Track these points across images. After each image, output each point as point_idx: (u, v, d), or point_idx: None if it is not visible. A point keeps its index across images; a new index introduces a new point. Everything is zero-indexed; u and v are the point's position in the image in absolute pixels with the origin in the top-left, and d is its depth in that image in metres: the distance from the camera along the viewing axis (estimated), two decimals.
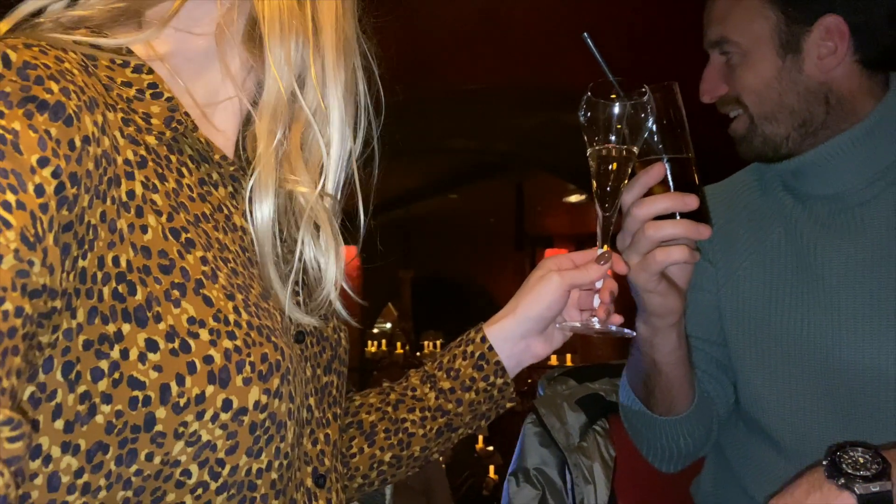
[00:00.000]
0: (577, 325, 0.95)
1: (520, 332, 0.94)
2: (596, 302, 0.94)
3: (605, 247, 0.94)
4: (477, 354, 0.93)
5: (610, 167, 0.94)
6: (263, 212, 0.67)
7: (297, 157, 0.69)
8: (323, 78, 0.70)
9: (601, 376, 1.44)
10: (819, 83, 1.09)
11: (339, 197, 0.73)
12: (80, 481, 0.57)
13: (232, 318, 0.63)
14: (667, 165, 0.97)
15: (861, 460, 0.81)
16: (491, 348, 0.93)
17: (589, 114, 0.93)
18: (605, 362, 1.49)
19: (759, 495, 1.11)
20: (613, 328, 0.94)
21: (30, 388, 0.55)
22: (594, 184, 0.96)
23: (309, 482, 0.73)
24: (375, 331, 11.11)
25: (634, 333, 0.96)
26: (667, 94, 0.98)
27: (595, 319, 0.94)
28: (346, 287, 0.73)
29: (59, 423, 0.56)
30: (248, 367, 0.62)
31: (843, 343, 1.06)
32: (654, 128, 0.97)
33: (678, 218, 0.96)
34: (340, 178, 0.72)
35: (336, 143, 0.71)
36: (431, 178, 8.02)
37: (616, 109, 0.92)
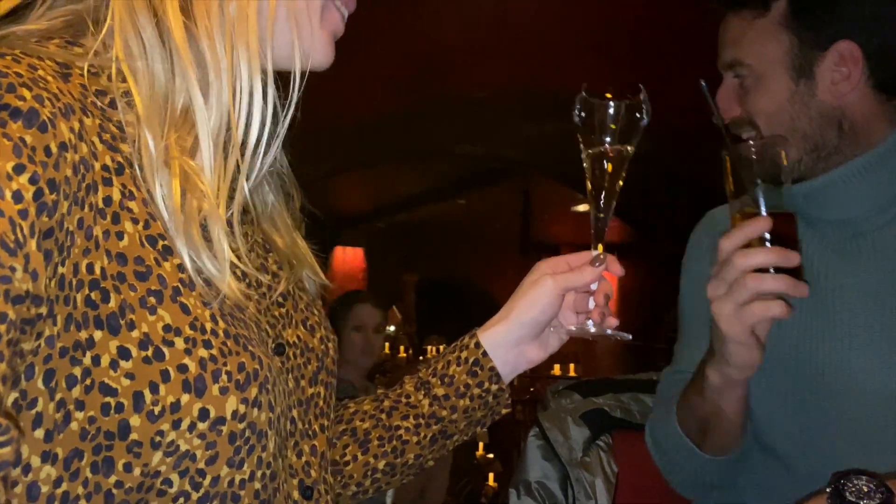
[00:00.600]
0: (573, 328, 0.94)
1: (514, 337, 0.92)
2: (591, 305, 0.93)
3: (600, 247, 0.93)
4: (471, 360, 0.92)
5: (605, 167, 0.93)
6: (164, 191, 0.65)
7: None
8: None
9: (606, 391, 1.43)
10: (832, 108, 1.08)
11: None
12: (59, 491, 0.56)
13: (209, 326, 0.62)
14: (768, 219, 0.96)
15: (865, 489, 0.79)
16: (485, 354, 0.92)
17: (583, 113, 0.93)
18: (610, 377, 1.48)
19: None
20: (609, 331, 0.92)
21: (13, 395, 0.55)
22: (589, 185, 0.95)
23: (296, 494, 0.72)
24: None
25: (630, 336, 0.94)
26: (771, 148, 0.98)
27: (590, 322, 0.93)
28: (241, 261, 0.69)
29: (40, 433, 0.56)
30: (224, 377, 0.61)
31: (855, 369, 1.04)
32: (758, 181, 0.97)
33: (775, 272, 0.94)
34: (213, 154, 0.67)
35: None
36: (438, 183, 8.03)
37: (611, 109, 0.91)
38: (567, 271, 0.92)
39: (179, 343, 0.60)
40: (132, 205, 0.62)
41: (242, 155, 0.66)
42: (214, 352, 0.62)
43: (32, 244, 0.53)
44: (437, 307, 10.58)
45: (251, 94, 0.66)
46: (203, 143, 0.64)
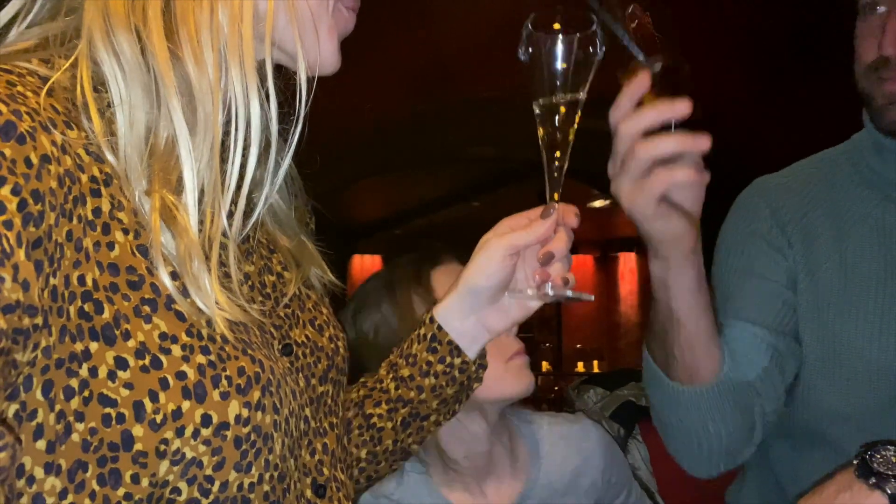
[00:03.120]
0: (529, 291, 0.86)
1: (466, 306, 0.88)
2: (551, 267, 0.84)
3: (556, 197, 0.86)
4: (429, 336, 0.89)
5: (558, 112, 0.85)
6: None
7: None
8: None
9: (628, 381, 1.42)
10: None
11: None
12: (65, 503, 0.56)
13: (206, 332, 0.62)
14: (652, 73, 0.86)
15: (894, 459, 0.78)
16: (440, 328, 0.88)
17: (531, 49, 0.84)
18: (631, 367, 1.46)
19: None
20: (569, 294, 0.84)
21: (13, 407, 0.55)
22: (540, 130, 0.87)
23: (309, 493, 0.72)
24: None
25: (592, 297, 0.87)
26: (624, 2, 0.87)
27: (548, 285, 0.84)
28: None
29: (41, 444, 0.56)
30: (224, 382, 0.61)
31: None
32: (626, 39, 0.87)
33: (672, 131, 0.84)
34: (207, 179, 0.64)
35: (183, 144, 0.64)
36: (453, 187, 8.02)
37: (561, 44, 0.82)
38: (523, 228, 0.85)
39: (177, 350, 0.60)
40: (122, 215, 0.61)
41: (239, 188, 0.64)
42: (213, 357, 0.61)
43: (21, 254, 0.53)
44: None
45: (248, 122, 0.64)
46: (188, 182, 0.62)
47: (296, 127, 0.67)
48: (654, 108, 0.86)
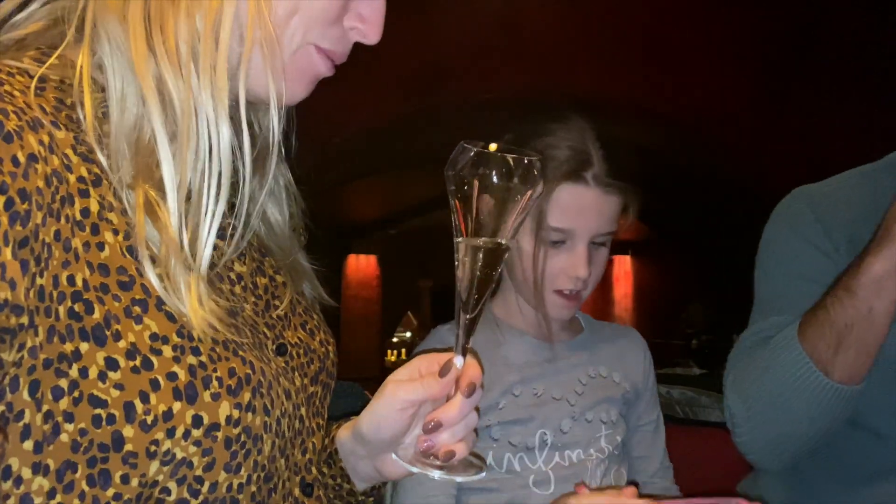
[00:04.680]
0: (410, 463, 0.71)
1: (359, 449, 0.79)
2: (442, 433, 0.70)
3: (467, 348, 0.73)
4: (329, 450, 0.81)
5: (486, 248, 0.72)
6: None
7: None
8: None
9: None
10: None
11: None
12: (53, 503, 0.56)
13: (196, 332, 0.61)
14: None
15: None
16: (337, 451, 0.81)
17: (462, 169, 0.71)
18: None
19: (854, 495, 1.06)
20: (458, 478, 0.71)
21: None
22: (459, 273, 0.73)
23: (297, 492, 0.72)
24: (395, 340, 11.10)
25: (483, 474, 0.72)
26: None
27: (433, 457, 0.70)
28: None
29: (29, 444, 0.56)
30: (215, 383, 0.61)
31: None
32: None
33: None
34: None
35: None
36: (436, 192, 8.02)
37: (503, 164, 0.70)
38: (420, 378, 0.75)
39: (167, 351, 0.60)
40: (111, 216, 0.61)
41: (218, 195, 0.63)
42: (203, 358, 0.61)
43: (7, 253, 0.52)
44: (453, 313, 10.56)
45: (219, 136, 0.63)
46: (167, 181, 0.61)
47: (269, 160, 0.68)
48: None
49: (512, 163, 0.70)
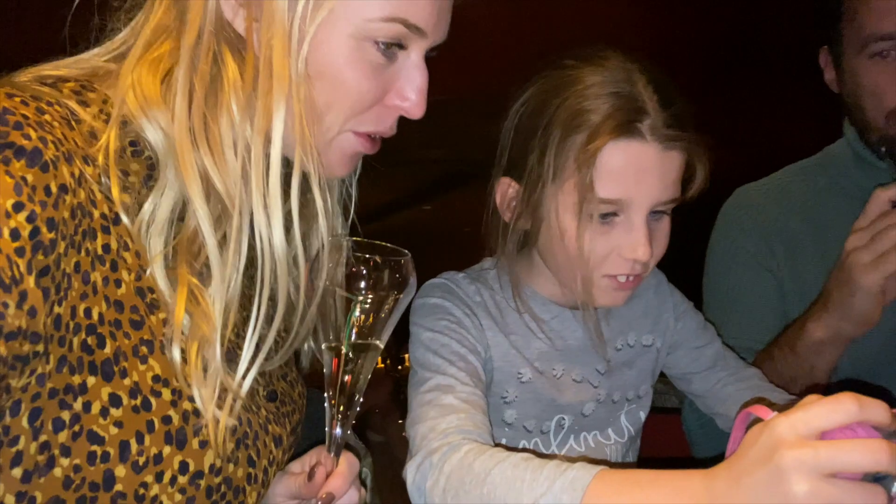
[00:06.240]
0: None
1: None
2: None
3: (341, 446, 0.72)
4: None
5: (362, 351, 0.71)
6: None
7: None
8: None
9: None
10: None
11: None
12: None
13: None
14: None
15: None
16: None
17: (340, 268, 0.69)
18: None
19: None
20: None
21: None
22: (332, 378, 0.70)
23: None
24: None
25: None
26: None
27: None
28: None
29: (18, 472, 0.54)
30: (204, 431, 0.61)
31: None
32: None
33: None
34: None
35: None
36: (403, 190, 8.01)
37: (377, 266, 0.68)
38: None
39: (166, 394, 0.60)
40: (127, 255, 0.61)
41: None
42: (198, 405, 0.62)
43: (30, 281, 0.52)
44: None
45: (273, 253, 0.64)
46: (217, 291, 0.62)
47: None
48: None
49: (380, 263, 0.69)
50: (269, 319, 0.67)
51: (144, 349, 0.60)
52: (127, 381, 0.58)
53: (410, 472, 0.80)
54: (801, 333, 1.05)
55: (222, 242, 0.64)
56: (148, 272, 0.62)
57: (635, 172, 0.89)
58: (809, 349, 1.03)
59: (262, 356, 0.65)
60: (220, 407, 0.62)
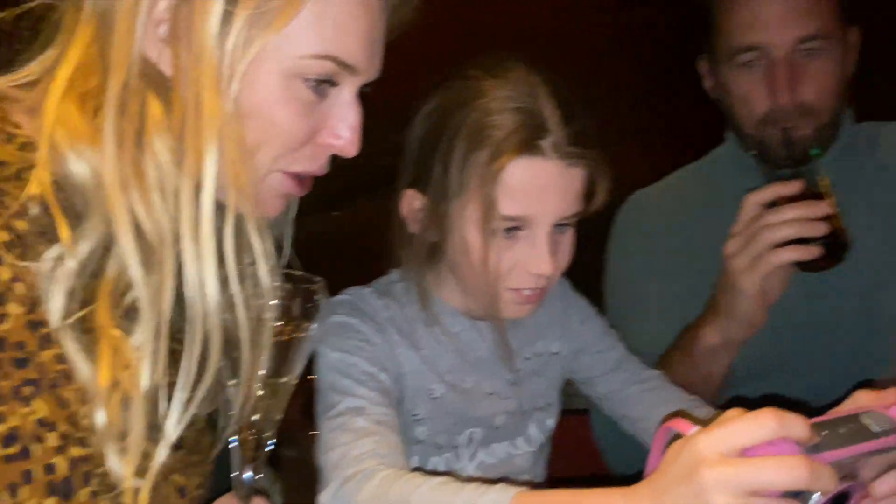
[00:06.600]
0: None
1: None
2: None
3: (251, 496, 0.69)
4: None
5: (271, 392, 0.68)
6: None
7: None
8: None
9: None
10: None
11: None
12: None
13: (86, 422, 0.55)
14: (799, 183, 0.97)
15: None
16: None
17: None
18: None
19: None
20: None
21: None
22: (240, 419, 0.67)
23: None
24: None
25: None
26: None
27: None
28: None
29: None
30: (95, 480, 0.55)
31: None
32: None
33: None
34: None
35: None
36: (309, 197, 7.91)
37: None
38: None
39: (52, 439, 0.53)
40: (19, 286, 0.55)
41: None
42: (91, 451, 0.55)
43: None
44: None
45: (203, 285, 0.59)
46: (145, 339, 0.57)
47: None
48: (797, 207, 0.96)
49: (291, 291, 0.66)
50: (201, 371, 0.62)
51: (28, 390, 0.53)
52: (2, 428, 0.52)
53: (325, 502, 0.78)
54: (695, 339, 1.08)
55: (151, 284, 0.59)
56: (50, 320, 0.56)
57: (538, 190, 0.90)
58: (704, 354, 1.06)
59: (190, 412, 0.59)
60: (139, 475, 0.56)
